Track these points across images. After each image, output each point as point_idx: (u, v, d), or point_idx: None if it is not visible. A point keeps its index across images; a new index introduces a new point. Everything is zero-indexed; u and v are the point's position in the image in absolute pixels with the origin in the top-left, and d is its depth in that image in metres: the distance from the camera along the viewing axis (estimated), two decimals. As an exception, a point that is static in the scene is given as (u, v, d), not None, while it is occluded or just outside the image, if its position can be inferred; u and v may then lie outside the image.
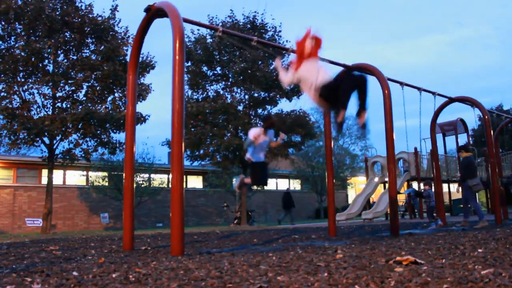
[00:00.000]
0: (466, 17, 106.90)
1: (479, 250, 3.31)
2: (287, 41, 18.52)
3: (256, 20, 18.61)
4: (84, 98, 15.45)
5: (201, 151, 18.12)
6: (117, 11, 15.54)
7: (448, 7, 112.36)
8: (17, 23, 14.32)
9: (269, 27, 18.72)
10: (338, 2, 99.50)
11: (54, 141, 15.09)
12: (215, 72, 18.81)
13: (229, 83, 18.58)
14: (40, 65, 14.63)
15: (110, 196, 22.41)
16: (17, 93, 14.62)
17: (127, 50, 15.15)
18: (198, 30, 18.50)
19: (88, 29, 15.05)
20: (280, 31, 18.78)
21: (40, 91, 14.97)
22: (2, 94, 14.31)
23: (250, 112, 18.50)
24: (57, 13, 14.68)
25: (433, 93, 9.12)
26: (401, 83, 8.08)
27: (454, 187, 22.49)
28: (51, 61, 14.97)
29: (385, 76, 6.93)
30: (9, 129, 14.10)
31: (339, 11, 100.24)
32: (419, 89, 8.65)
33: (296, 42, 5.05)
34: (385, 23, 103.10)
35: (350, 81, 4.59)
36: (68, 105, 15.30)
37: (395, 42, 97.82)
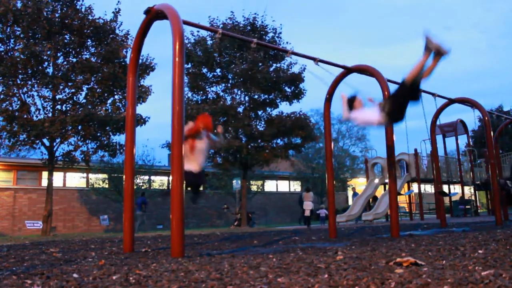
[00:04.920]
0: (452, 21, 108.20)
1: (480, 251, 3.31)
2: (287, 42, 18.56)
3: (256, 22, 18.63)
4: (84, 100, 15.45)
5: (201, 153, 18.09)
6: (120, 14, 15.56)
7: (435, 12, 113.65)
8: (16, 25, 14.33)
9: (270, 29, 18.75)
10: (326, 6, 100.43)
11: (54, 143, 15.09)
12: (215, 74, 18.82)
13: (229, 85, 18.58)
14: (40, 67, 14.62)
15: (110, 198, 22.42)
16: (17, 95, 14.62)
17: (126, 52, 15.15)
18: (198, 31, 18.52)
19: (88, 31, 15.05)
20: (280, 33, 18.81)
21: (39, 94, 14.97)
22: (1, 96, 14.30)
23: (251, 114, 18.49)
24: (57, 15, 14.69)
25: (433, 94, 9.13)
26: (401, 85, 8.07)
27: (454, 188, 22.54)
28: (51, 64, 14.96)
29: (385, 77, 6.93)
30: (8, 131, 14.12)
31: (328, 14, 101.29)
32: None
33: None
34: (372, 28, 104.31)
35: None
36: (68, 107, 15.30)
37: (383, 46, 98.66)
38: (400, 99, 4.89)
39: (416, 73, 4.61)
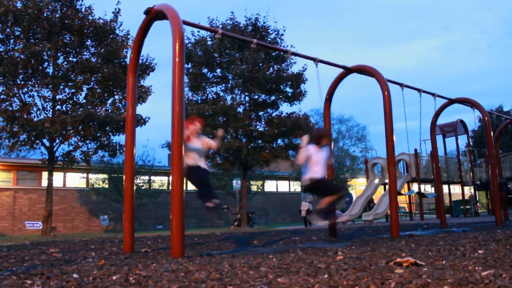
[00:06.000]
0: (451, 21, 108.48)
1: (480, 252, 3.31)
2: (291, 46, 18.43)
3: (258, 23, 18.61)
4: (84, 101, 15.45)
5: (201, 153, 18.08)
6: (120, 15, 15.58)
7: (434, 12, 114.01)
8: (16, 25, 14.33)
9: (272, 30, 18.72)
10: (326, 6, 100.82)
11: (54, 144, 15.10)
12: (215, 74, 18.81)
13: (229, 85, 18.57)
14: (40, 67, 14.62)
15: (110, 198, 22.42)
16: (17, 95, 14.62)
17: (126, 52, 15.15)
18: (198, 31, 18.51)
19: (88, 31, 15.06)
20: (282, 35, 18.77)
21: (40, 94, 14.98)
22: (2, 96, 14.31)
23: (251, 115, 18.49)
24: (57, 15, 14.70)
25: (433, 95, 9.12)
26: (401, 85, 8.08)
27: (454, 188, 22.55)
28: (51, 64, 14.96)
29: (385, 77, 6.93)
30: (9, 131, 14.12)
31: (328, 15, 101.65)
32: (419, 90, 8.64)
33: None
34: (372, 28, 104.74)
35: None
36: (68, 108, 15.30)
37: (384, 46, 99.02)
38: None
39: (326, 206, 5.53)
